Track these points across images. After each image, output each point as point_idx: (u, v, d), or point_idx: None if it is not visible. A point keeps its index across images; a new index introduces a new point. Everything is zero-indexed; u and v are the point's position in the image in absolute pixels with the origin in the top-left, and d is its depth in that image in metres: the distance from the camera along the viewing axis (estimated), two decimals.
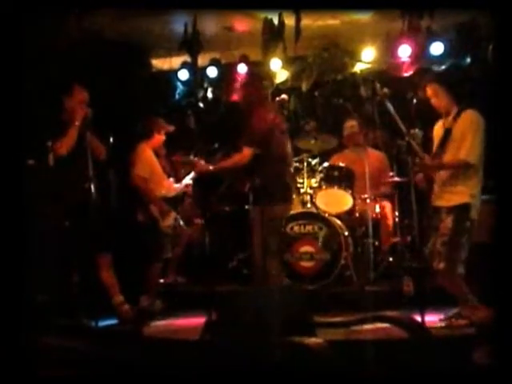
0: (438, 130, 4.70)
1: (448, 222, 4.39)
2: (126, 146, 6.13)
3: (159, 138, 5.87)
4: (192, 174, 5.89)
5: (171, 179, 6.03)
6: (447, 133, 4.50)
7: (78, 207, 4.75)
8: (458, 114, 4.50)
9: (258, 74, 6.27)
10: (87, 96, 4.98)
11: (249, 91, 5.22)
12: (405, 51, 6.56)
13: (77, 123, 4.76)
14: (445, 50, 6.48)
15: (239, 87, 5.08)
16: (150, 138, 5.83)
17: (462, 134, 4.42)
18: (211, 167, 5.19)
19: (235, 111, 5.79)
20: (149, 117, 6.09)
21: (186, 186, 6.03)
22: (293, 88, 7.11)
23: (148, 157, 5.80)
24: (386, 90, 5.07)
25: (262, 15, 6.45)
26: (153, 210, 5.64)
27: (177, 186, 6.01)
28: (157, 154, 5.92)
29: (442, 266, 4.34)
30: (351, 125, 6.37)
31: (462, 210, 4.40)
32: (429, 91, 4.64)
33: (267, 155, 4.84)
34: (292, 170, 5.25)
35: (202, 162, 5.31)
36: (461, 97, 4.58)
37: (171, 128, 5.95)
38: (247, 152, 4.86)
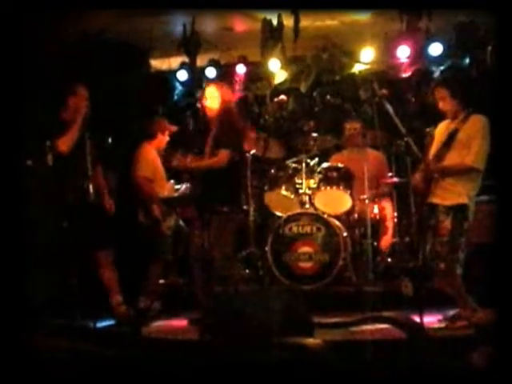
0: (441, 130, 4.66)
1: (447, 223, 4.38)
2: (125, 146, 6.13)
3: (163, 138, 5.86)
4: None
5: (172, 181, 6.02)
6: (453, 133, 4.47)
7: (76, 207, 4.75)
8: (466, 118, 4.47)
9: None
10: (88, 95, 4.99)
11: (224, 97, 5.20)
12: (403, 52, 6.58)
13: (79, 122, 4.77)
14: (443, 51, 6.50)
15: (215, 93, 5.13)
16: (153, 139, 5.84)
17: (469, 138, 4.39)
18: (190, 164, 5.18)
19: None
20: (153, 117, 6.09)
21: (187, 187, 6.01)
22: (292, 88, 7.12)
23: (152, 157, 5.80)
24: (384, 90, 5.07)
25: (261, 16, 6.47)
26: (155, 211, 5.63)
27: (178, 187, 6.00)
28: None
29: (441, 266, 4.34)
30: (354, 126, 6.34)
31: (460, 211, 4.39)
32: (437, 95, 4.60)
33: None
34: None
35: (187, 158, 5.28)
36: (468, 101, 4.54)
37: (175, 129, 5.95)
38: (224, 154, 4.95)
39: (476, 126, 4.41)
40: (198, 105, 5.20)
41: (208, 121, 5.17)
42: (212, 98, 5.12)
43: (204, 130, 5.12)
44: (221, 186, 4.98)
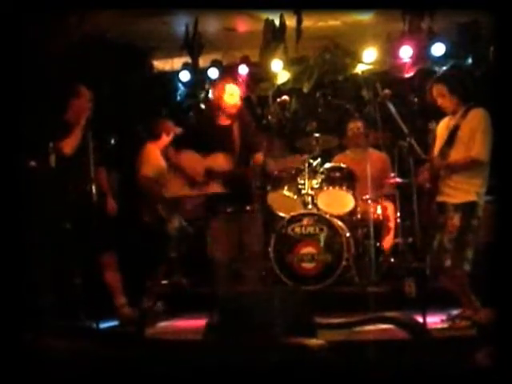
0: (442, 127, 4.63)
1: (456, 219, 4.36)
2: (128, 147, 6.14)
3: (167, 139, 5.88)
4: None
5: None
6: (455, 129, 4.45)
7: (79, 208, 4.76)
8: (466, 112, 4.45)
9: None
10: (91, 96, 5.00)
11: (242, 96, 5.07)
12: (406, 52, 6.58)
13: (82, 123, 4.78)
14: (446, 51, 6.49)
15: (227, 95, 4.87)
16: (158, 139, 5.86)
17: (472, 132, 4.37)
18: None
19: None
20: (157, 118, 6.10)
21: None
22: (294, 89, 7.12)
23: (156, 158, 5.82)
24: (387, 90, 5.06)
25: (264, 16, 6.47)
26: (160, 211, 5.64)
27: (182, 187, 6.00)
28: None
29: (448, 263, 4.33)
30: (357, 126, 6.34)
31: (469, 208, 4.37)
32: (435, 92, 4.58)
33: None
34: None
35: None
36: (467, 96, 4.53)
37: (179, 130, 5.96)
38: (261, 158, 4.80)
39: (476, 119, 4.39)
40: (215, 101, 4.89)
41: (224, 120, 4.89)
42: (233, 95, 4.84)
43: (219, 129, 4.84)
44: (238, 187, 4.86)
